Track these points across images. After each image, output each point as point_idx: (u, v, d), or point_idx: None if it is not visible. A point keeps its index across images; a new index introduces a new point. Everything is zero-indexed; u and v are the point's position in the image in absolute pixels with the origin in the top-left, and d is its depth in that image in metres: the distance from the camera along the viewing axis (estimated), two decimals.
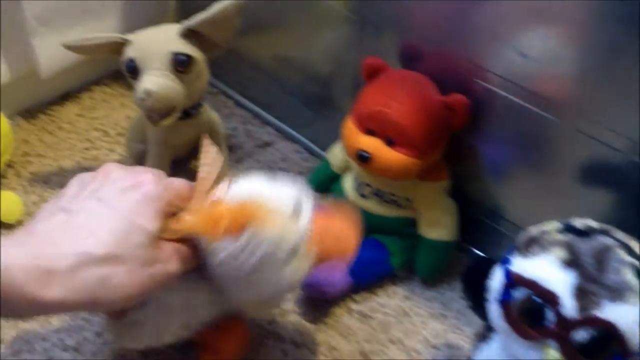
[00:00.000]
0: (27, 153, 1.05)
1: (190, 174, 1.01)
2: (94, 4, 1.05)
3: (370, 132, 0.82)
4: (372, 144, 0.82)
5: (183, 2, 1.17)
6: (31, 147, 1.06)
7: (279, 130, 1.11)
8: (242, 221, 0.61)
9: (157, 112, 0.84)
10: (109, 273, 0.57)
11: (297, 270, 0.66)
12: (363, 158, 0.82)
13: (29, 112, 1.12)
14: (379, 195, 0.88)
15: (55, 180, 1.01)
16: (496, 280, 0.71)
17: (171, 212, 0.63)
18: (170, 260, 0.62)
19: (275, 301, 0.75)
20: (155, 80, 0.83)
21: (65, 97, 1.15)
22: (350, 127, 0.84)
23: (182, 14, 1.15)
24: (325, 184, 0.97)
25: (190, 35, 0.86)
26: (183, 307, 0.69)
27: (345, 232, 0.71)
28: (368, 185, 0.88)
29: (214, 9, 0.84)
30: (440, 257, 0.89)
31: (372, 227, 0.89)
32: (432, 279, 0.90)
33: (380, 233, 0.90)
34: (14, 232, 0.60)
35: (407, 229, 0.89)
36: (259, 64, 1.11)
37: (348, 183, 0.91)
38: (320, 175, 0.98)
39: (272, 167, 1.05)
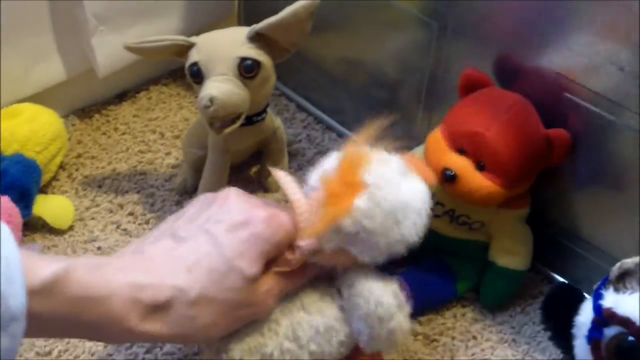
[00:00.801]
0: (81, 155, 1.02)
1: (248, 181, 1.00)
2: (156, 2, 1.03)
3: (460, 150, 0.77)
4: (461, 165, 0.77)
5: (247, 1, 1.13)
6: (85, 148, 1.03)
7: (342, 136, 1.07)
8: (355, 176, 0.61)
9: (220, 119, 0.81)
10: (199, 313, 0.58)
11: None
12: (448, 177, 0.77)
13: (84, 112, 1.09)
14: (451, 215, 0.83)
15: (108, 184, 0.98)
16: (585, 315, 0.67)
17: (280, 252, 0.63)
18: (262, 302, 0.62)
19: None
20: (220, 87, 0.79)
21: (122, 96, 1.12)
22: (438, 141, 0.79)
23: (246, 14, 1.12)
24: None
25: (257, 38, 0.82)
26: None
27: None
28: (440, 203, 0.83)
29: (284, 12, 0.80)
30: (509, 286, 0.84)
31: (439, 247, 0.85)
32: (497, 307, 0.85)
33: (448, 254, 0.85)
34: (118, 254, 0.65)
35: (477, 253, 0.85)
36: (323, 66, 1.07)
37: None
38: None
39: None
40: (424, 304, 0.83)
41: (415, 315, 0.82)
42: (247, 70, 0.80)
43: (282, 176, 0.67)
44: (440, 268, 0.85)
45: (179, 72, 1.14)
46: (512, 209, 0.82)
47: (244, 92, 0.81)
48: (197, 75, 0.81)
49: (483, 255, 0.84)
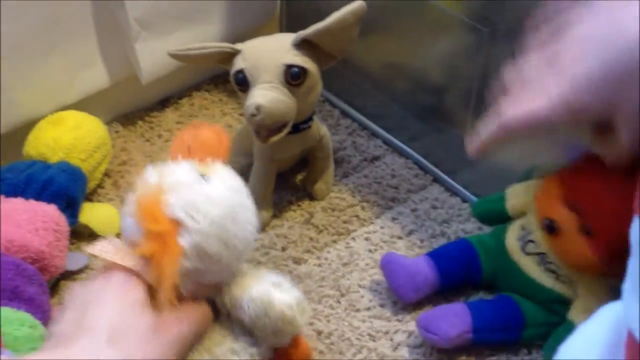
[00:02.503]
0: (125, 162, 1.01)
1: (294, 189, 0.98)
2: (198, 7, 1.01)
3: (571, 206, 0.72)
4: (567, 221, 0.71)
5: (289, 4, 1.11)
6: (129, 155, 1.02)
7: (387, 143, 1.04)
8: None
9: (267, 128, 0.79)
10: None
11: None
12: (550, 229, 0.72)
13: (128, 118, 1.08)
14: (541, 258, 0.77)
15: None
16: None
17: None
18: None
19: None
20: (267, 95, 0.77)
21: (165, 102, 1.11)
22: (552, 188, 0.73)
23: (287, 17, 1.10)
24: (490, 217, 0.86)
25: (303, 45, 0.80)
26: None
27: (212, 136, 0.63)
28: (534, 242, 0.77)
29: (331, 18, 0.78)
30: None
31: (518, 287, 0.80)
32: None
33: (523, 296, 0.79)
34: None
35: (555, 305, 0.78)
36: (367, 71, 1.05)
37: (514, 230, 0.81)
38: (488, 205, 0.86)
39: (380, 183, 0.98)
40: (484, 342, 0.78)
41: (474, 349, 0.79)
42: (293, 77, 0.79)
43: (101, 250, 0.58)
44: (509, 307, 0.79)
45: (221, 78, 1.13)
46: (609, 277, 0.75)
47: (291, 100, 0.79)
48: (243, 83, 0.80)
49: (560, 310, 0.78)
